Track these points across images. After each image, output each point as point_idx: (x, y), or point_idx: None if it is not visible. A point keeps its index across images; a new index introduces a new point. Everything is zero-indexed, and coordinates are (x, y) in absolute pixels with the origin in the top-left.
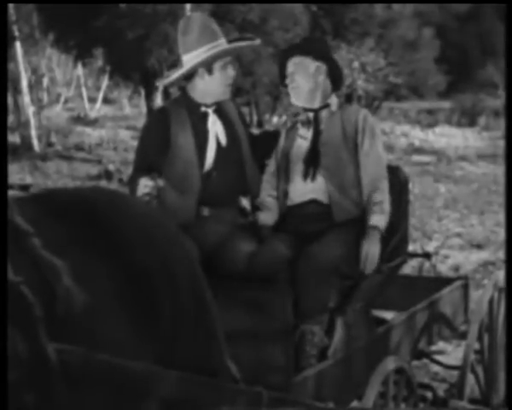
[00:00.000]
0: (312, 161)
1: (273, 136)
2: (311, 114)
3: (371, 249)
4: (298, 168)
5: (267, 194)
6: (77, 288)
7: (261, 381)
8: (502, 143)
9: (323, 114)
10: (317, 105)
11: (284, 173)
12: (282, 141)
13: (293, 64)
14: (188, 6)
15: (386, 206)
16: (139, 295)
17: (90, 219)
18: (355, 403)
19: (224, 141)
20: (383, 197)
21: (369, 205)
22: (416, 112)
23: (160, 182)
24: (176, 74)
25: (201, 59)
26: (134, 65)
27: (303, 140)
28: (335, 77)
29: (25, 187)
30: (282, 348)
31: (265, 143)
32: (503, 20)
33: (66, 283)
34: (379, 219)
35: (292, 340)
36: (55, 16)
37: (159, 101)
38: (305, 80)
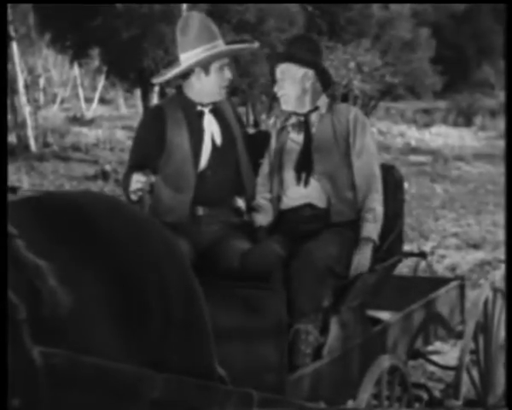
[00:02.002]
0: (305, 167)
1: (264, 136)
2: (301, 118)
3: (362, 261)
4: (290, 173)
5: (262, 196)
6: (62, 289)
7: (255, 380)
8: (498, 143)
9: (313, 117)
10: (306, 109)
11: (277, 177)
12: (273, 143)
13: (280, 71)
14: (184, 6)
15: (380, 210)
16: (128, 298)
17: (78, 222)
18: (350, 403)
19: (219, 141)
20: (376, 200)
21: (363, 211)
22: (413, 112)
23: (153, 177)
24: (172, 72)
25: (198, 59)
26: (130, 65)
27: (294, 144)
28: (324, 79)
29: (13, 189)
30: (276, 346)
31: (258, 143)
32: (499, 20)
33: (51, 284)
34: (372, 229)
35: (286, 339)
36: (51, 16)
37: (155, 101)
38: (292, 87)
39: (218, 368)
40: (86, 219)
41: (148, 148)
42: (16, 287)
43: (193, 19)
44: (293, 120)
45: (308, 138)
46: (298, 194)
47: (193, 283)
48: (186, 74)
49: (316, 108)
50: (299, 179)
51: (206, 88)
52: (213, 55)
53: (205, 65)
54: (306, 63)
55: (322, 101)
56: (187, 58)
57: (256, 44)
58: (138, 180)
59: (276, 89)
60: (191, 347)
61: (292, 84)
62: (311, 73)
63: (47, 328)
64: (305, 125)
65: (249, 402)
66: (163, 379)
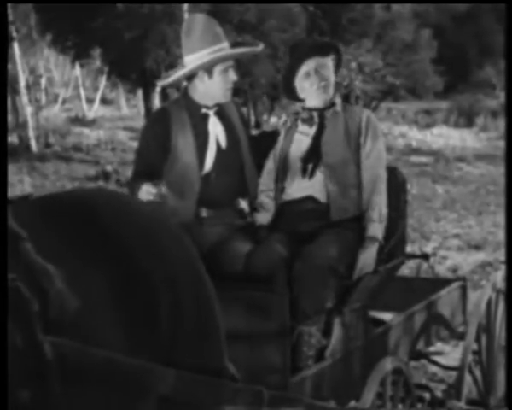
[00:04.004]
0: (312, 158)
1: (271, 136)
2: (314, 113)
3: (367, 260)
4: (297, 165)
5: (264, 195)
6: (70, 292)
7: (258, 382)
8: (500, 144)
9: (328, 113)
10: (323, 104)
11: (282, 172)
12: (281, 140)
13: (313, 65)
14: (185, 6)
15: (384, 210)
16: (138, 298)
17: (91, 222)
18: (352, 404)
19: (223, 143)
20: (381, 201)
21: (368, 211)
22: (414, 112)
23: (164, 189)
24: (176, 75)
25: (201, 62)
26: (132, 65)
27: (303, 136)
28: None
29: (25, 198)
30: (279, 348)
31: (264, 144)
32: (501, 21)
33: (58, 287)
34: (377, 229)
35: (289, 341)
36: (52, 17)
37: (157, 101)
38: (330, 79)
39: (229, 366)
40: (99, 218)
41: (154, 152)
42: (27, 284)
43: (197, 21)
44: (305, 114)
45: (320, 131)
46: (301, 185)
47: (205, 280)
48: (190, 76)
49: (332, 105)
50: (305, 170)
51: (210, 90)
52: (216, 58)
53: (208, 68)
54: (339, 53)
55: (337, 100)
56: (191, 60)
57: (260, 47)
58: (149, 191)
59: (312, 83)
60: (202, 344)
61: (330, 75)
62: (333, 66)
63: (55, 330)
64: (319, 119)
65: (260, 400)
66: (174, 375)
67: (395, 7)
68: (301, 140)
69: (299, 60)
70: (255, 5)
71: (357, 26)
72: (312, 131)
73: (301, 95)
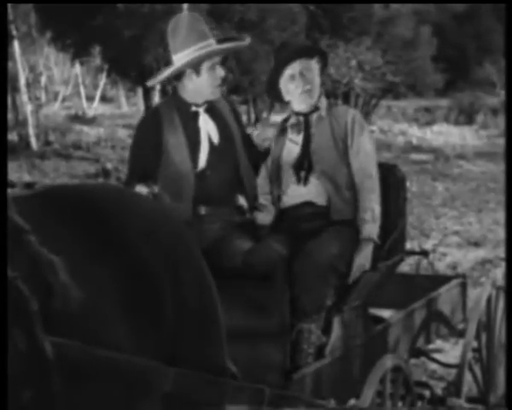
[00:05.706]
0: (304, 167)
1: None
2: (301, 118)
3: (362, 261)
4: (290, 173)
5: (263, 197)
6: (74, 284)
7: (258, 379)
8: (500, 142)
9: (313, 117)
10: (308, 109)
11: (276, 178)
12: (272, 147)
13: (299, 68)
14: (185, 5)
15: (377, 209)
16: (141, 293)
17: (95, 216)
18: (352, 402)
19: (216, 140)
20: (374, 200)
21: (361, 211)
22: (414, 110)
23: (155, 188)
24: (163, 74)
25: (188, 59)
26: (131, 63)
27: (293, 144)
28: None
29: (29, 185)
30: (279, 346)
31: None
32: (501, 19)
33: (62, 278)
34: (372, 229)
35: (289, 338)
36: (52, 15)
37: (156, 99)
38: (316, 81)
39: (230, 366)
40: (104, 213)
41: (147, 153)
42: (29, 281)
43: (182, 20)
44: (293, 120)
45: (307, 139)
46: (297, 192)
47: (207, 276)
48: (179, 75)
49: (316, 109)
50: (298, 179)
51: (199, 88)
52: (201, 55)
53: (195, 65)
54: (324, 56)
55: (322, 103)
56: (178, 59)
57: (247, 41)
58: (141, 192)
59: (294, 86)
60: (205, 342)
61: (315, 78)
62: (319, 68)
63: (58, 322)
64: (305, 125)
65: (261, 398)
66: (175, 373)
67: (395, 4)
68: (291, 148)
69: (284, 62)
70: (256, 4)
71: (357, 24)
72: (300, 139)
73: (286, 97)
